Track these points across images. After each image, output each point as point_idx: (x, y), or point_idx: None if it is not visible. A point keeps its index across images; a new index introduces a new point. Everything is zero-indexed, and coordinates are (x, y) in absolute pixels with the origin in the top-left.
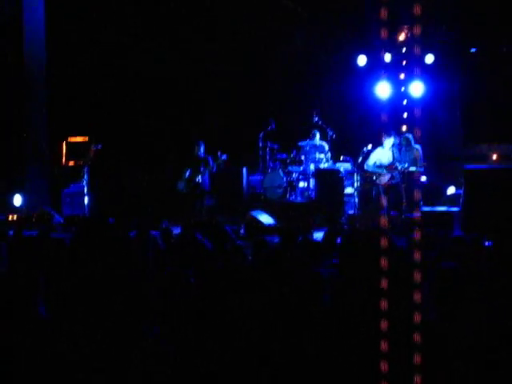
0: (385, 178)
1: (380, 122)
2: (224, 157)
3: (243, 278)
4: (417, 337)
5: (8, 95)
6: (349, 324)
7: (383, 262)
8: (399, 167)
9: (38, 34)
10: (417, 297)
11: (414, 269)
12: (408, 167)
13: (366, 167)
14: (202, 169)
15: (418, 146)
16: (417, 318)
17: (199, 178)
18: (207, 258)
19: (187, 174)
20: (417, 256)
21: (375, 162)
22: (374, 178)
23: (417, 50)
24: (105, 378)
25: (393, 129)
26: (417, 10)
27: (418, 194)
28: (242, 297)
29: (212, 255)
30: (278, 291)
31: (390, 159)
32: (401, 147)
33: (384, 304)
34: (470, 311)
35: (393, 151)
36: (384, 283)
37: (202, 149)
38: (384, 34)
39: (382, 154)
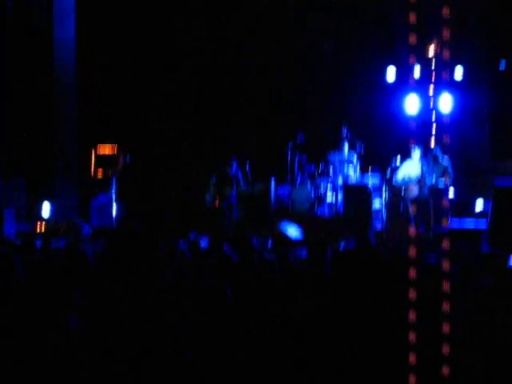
0: (413, 193)
1: (408, 136)
2: (259, 185)
3: (269, 291)
4: (445, 351)
5: (38, 105)
6: (377, 338)
7: (412, 276)
8: (428, 182)
9: (67, 44)
10: (446, 312)
11: (443, 284)
12: (436, 182)
13: (394, 181)
14: (233, 185)
15: (446, 161)
16: (446, 332)
17: (228, 193)
18: (233, 271)
19: (215, 186)
20: (446, 270)
21: (404, 177)
22: (402, 192)
23: (446, 65)
24: None
25: (420, 142)
26: (446, 24)
27: (446, 209)
28: (268, 310)
29: (238, 268)
30: (304, 306)
31: (419, 173)
32: (429, 161)
33: (412, 319)
34: (502, 329)
35: (421, 165)
36: (413, 297)
37: (234, 166)
38: (413, 48)
39: (411, 168)
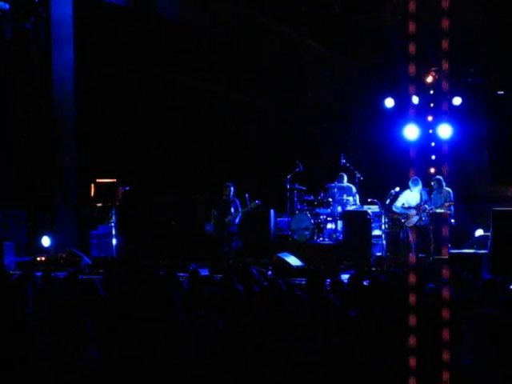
0: (413, 220)
1: (408, 164)
2: (258, 201)
3: (270, 320)
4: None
5: (38, 138)
6: (377, 367)
7: (412, 304)
8: (427, 208)
9: (66, 77)
10: (447, 341)
11: (443, 311)
12: (436, 208)
13: (394, 208)
14: (232, 211)
15: (448, 188)
16: (449, 363)
17: (228, 220)
18: (235, 301)
19: (216, 215)
20: (446, 297)
21: (403, 204)
22: (403, 219)
23: (445, 92)
24: None
25: (419, 175)
26: (445, 51)
27: (446, 236)
28: (268, 339)
29: (239, 298)
30: (306, 335)
31: (418, 201)
32: (432, 190)
33: (412, 345)
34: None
35: (421, 193)
36: (413, 323)
37: (231, 191)
38: (412, 76)
39: (410, 196)
